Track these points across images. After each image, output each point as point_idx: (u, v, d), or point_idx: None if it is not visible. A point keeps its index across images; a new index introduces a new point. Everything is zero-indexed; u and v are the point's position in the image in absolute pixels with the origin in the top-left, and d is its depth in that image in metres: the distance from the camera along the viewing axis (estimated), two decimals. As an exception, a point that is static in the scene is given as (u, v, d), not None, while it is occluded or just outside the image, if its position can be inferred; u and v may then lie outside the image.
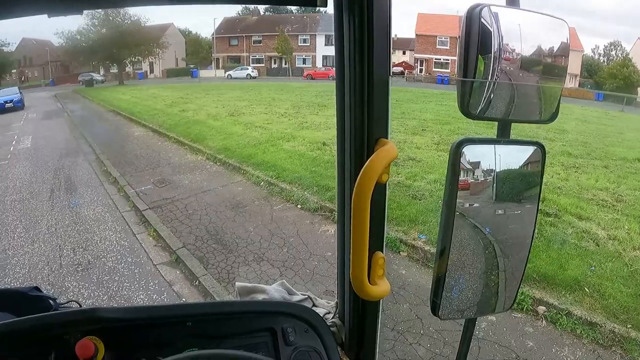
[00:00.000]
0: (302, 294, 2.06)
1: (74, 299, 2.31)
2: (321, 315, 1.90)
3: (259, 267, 7.33)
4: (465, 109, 1.25)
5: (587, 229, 8.52)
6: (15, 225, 10.52)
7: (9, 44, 62.28)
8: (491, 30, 1.20)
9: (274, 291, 2.04)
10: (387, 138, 1.47)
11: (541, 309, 6.19)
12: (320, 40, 55.06)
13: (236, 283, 2.10)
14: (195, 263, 7.75)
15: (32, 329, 1.79)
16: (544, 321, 6.04)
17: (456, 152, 1.25)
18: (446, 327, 5.69)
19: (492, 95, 1.26)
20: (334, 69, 1.61)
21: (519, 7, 1.26)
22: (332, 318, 1.95)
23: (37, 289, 2.09)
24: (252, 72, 54.84)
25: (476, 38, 1.19)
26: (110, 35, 53.73)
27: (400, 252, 7.68)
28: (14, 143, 21.18)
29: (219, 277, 7.22)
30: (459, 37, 1.24)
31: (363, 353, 1.86)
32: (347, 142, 1.56)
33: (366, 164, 1.36)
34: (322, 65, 54.24)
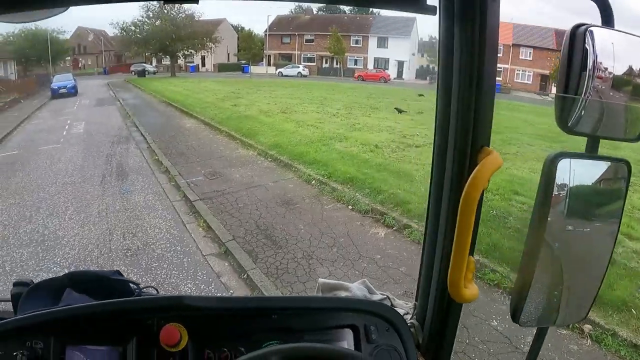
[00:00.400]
0: (381, 294, 2.05)
1: (152, 285, 2.30)
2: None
3: (308, 265, 7.29)
4: (563, 123, 1.29)
5: (637, 249, 8.28)
6: (66, 207, 10.76)
7: (64, 31, 63.72)
8: (588, 49, 1.23)
9: (356, 289, 2.03)
10: (489, 146, 1.47)
11: (587, 327, 6.04)
12: (372, 42, 54.95)
13: (319, 279, 2.09)
14: (244, 256, 7.74)
15: (114, 312, 1.81)
16: (588, 340, 5.87)
17: (551, 166, 1.27)
18: (491, 338, 5.58)
19: (582, 112, 1.29)
20: (437, 75, 1.62)
21: (614, 27, 1.29)
22: (410, 319, 1.94)
23: (118, 272, 2.09)
24: (303, 70, 54.98)
25: (579, 56, 1.23)
26: (164, 28, 54.57)
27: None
28: (67, 128, 21.71)
29: (268, 272, 7.20)
30: (561, 54, 1.28)
31: (440, 355, 1.87)
32: (449, 149, 1.57)
33: (474, 173, 1.37)
34: (374, 67, 54.11)
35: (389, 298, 2.02)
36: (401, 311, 1.91)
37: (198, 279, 7.30)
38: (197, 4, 1.65)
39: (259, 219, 9.18)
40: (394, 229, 8.42)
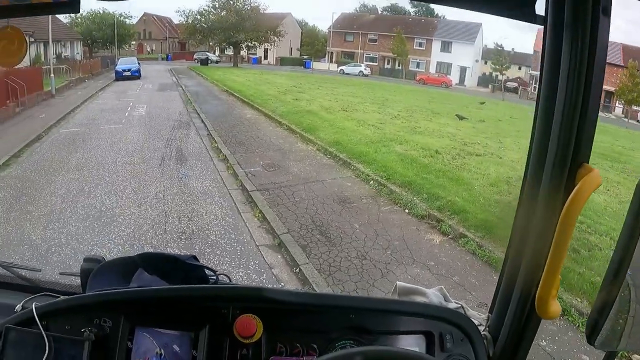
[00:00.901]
0: (456, 302, 2.04)
1: (225, 272, 2.30)
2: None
3: (361, 265, 7.24)
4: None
5: None
6: (124, 186, 11.02)
7: (131, 16, 65.36)
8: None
9: (433, 295, 2.02)
10: (588, 163, 1.43)
11: (636, 357, 5.87)
12: (436, 45, 54.41)
13: (397, 282, 2.07)
14: (298, 250, 7.74)
15: (190, 298, 1.84)
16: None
17: None
18: (538, 358, 5.47)
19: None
20: (540, 85, 1.55)
21: None
22: (483, 331, 1.89)
23: (195, 257, 2.09)
24: (365, 69, 54.93)
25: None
26: (229, 18, 55.28)
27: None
28: (129, 109, 22.24)
29: (320, 269, 7.17)
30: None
31: None
32: (547, 163, 1.50)
33: (575, 191, 1.34)
34: (435, 71, 53.61)
35: (463, 307, 2.00)
36: (474, 322, 1.88)
37: (250, 268, 7.33)
38: None
39: (314, 215, 9.18)
40: (449, 237, 8.29)
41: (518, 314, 1.70)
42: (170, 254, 2.13)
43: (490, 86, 50.50)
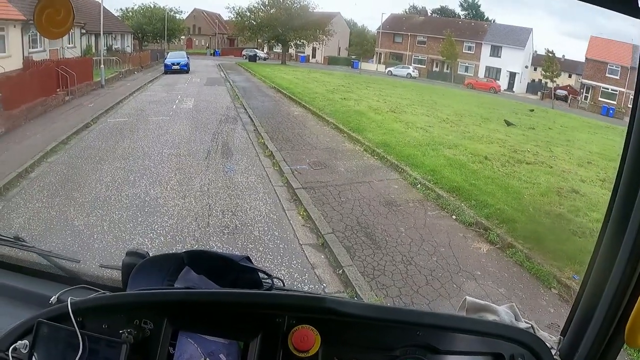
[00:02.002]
0: (526, 322, 1.91)
1: (277, 276, 2.20)
2: None
3: (406, 271, 7.13)
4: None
5: None
6: (169, 177, 11.16)
7: (181, 11, 66.93)
8: None
9: (504, 314, 1.91)
10: None
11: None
12: (485, 49, 53.82)
13: (467, 298, 1.97)
14: (342, 251, 7.67)
15: (242, 304, 1.73)
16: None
17: None
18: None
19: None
20: (635, 90, 1.43)
21: None
22: (555, 354, 1.78)
23: (248, 259, 1.98)
24: (413, 72, 54.78)
25: None
26: (278, 16, 55.82)
27: (552, 289, 7.21)
28: (176, 102, 22.61)
29: (364, 272, 7.09)
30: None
31: None
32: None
33: None
34: (484, 76, 53.05)
35: (533, 327, 1.88)
36: (547, 344, 1.77)
37: (292, 267, 7.32)
38: None
39: (360, 216, 9.10)
40: (497, 246, 8.12)
41: (599, 340, 1.59)
42: (221, 253, 2.01)
43: (539, 93, 49.70)
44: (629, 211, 1.43)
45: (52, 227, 8.44)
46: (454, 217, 9.23)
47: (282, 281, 2.17)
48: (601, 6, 1.41)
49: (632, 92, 1.34)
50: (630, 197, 1.43)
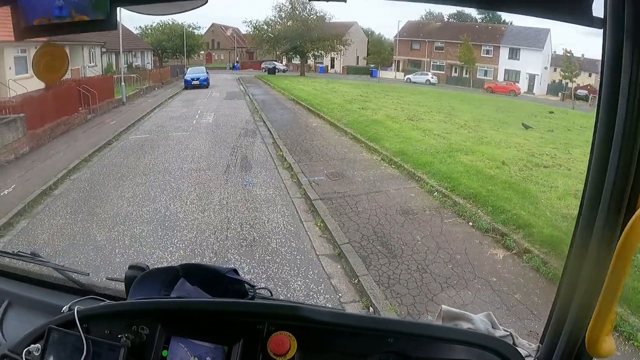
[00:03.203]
0: (504, 330, 1.94)
1: (266, 286, 2.33)
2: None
3: (421, 279, 7.15)
4: None
5: None
6: (189, 192, 11.32)
7: (199, 27, 67.73)
8: None
9: (480, 322, 1.93)
10: None
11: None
12: (503, 52, 53.57)
13: (442, 306, 2.00)
14: (358, 261, 7.72)
15: (227, 312, 1.86)
16: None
17: None
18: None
19: None
20: (599, 95, 1.42)
21: None
22: None
23: (235, 271, 2.12)
24: (432, 78, 54.67)
25: None
26: (295, 28, 56.11)
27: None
28: (197, 117, 22.85)
29: (379, 281, 7.13)
30: None
31: None
32: (607, 183, 1.40)
33: (636, 216, 1.20)
34: (504, 79, 52.73)
35: (512, 335, 1.91)
36: (523, 352, 1.81)
37: (309, 277, 7.38)
38: (345, 2, 1.66)
39: (376, 225, 9.15)
40: (513, 252, 8.07)
41: (568, 350, 1.62)
42: (211, 266, 2.16)
43: (559, 94, 49.20)
44: (592, 222, 1.46)
45: (75, 243, 8.65)
46: (470, 223, 9.22)
47: (270, 291, 2.32)
48: (558, 20, 1.46)
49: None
50: (595, 199, 1.45)
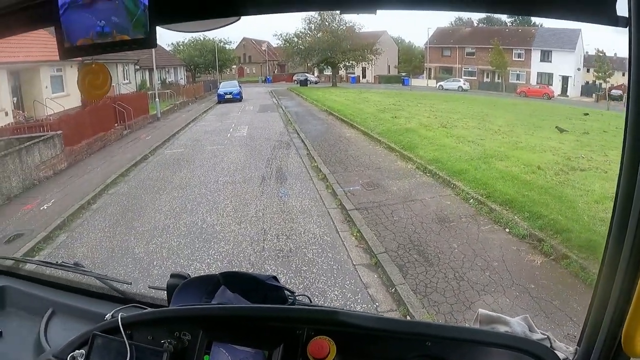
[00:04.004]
0: (542, 333, 1.93)
1: (305, 293, 2.39)
2: None
3: (458, 287, 7.12)
4: None
5: None
6: (225, 204, 11.45)
7: (230, 42, 68.65)
8: None
9: (517, 325, 1.93)
10: None
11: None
12: (535, 55, 52.98)
13: (479, 310, 2.02)
14: (395, 270, 7.73)
15: (267, 317, 1.90)
16: None
17: None
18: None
19: None
20: (627, 96, 1.42)
21: None
22: None
23: (275, 278, 2.18)
24: (464, 84, 54.26)
25: None
26: (326, 39, 56.26)
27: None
28: (231, 130, 23.10)
29: (416, 289, 7.12)
30: None
31: None
32: (638, 186, 1.39)
33: None
34: (536, 82, 52.07)
35: (549, 339, 1.90)
36: (561, 355, 1.79)
37: (345, 287, 7.41)
38: (375, 14, 1.72)
39: (413, 234, 9.14)
40: (551, 257, 7.97)
41: (605, 351, 1.58)
42: (251, 274, 2.22)
43: (594, 95, 48.32)
44: (627, 214, 1.46)
45: (114, 255, 8.90)
46: (507, 230, 9.15)
47: (309, 298, 2.32)
48: (582, 21, 1.48)
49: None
50: (628, 200, 1.45)
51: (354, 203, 11.06)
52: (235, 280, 2.17)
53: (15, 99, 23.59)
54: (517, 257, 8.11)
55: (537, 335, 1.92)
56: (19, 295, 2.70)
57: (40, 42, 21.40)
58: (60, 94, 25.80)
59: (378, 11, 1.71)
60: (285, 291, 2.15)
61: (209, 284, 2.18)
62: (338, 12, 1.74)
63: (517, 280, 7.27)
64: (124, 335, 1.90)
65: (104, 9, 1.68)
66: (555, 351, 1.80)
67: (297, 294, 2.19)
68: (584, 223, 9.06)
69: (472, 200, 10.75)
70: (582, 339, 1.76)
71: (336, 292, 7.24)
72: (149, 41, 1.72)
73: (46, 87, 25.13)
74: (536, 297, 6.74)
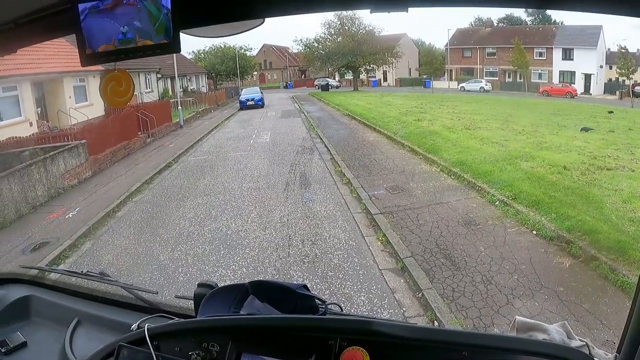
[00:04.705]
0: (580, 340, 1.89)
1: (335, 301, 2.37)
2: None
3: (486, 291, 7.06)
4: None
5: None
6: (249, 211, 11.51)
7: (251, 48, 69.24)
8: None
9: (555, 332, 1.90)
10: None
11: None
12: (557, 53, 52.34)
13: (516, 317, 1.98)
14: (421, 274, 7.68)
15: (298, 328, 1.87)
16: None
17: None
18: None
19: None
20: None
21: None
22: None
23: (305, 287, 2.13)
24: (486, 85, 53.94)
25: None
26: (346, 44, 56.43)
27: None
28: (253, 137, 23.27)
29: (443, 294, 7.07)
30: None
31: None
32: None
33: None
34: (559, 81, 51.51)
35: (587, 345, 1.86)
36: None
37: (372, 292, 7.39)
38: (407, 11, 1.71)
39: (439, 238, 9.09)
40: (579, 259, 7.85)
41: None
42: (281, 283, 2.17)
43: (617, 92, 47.64)
44: None
45: (139, 263, 9.02)
46: (534, 232, 9.05)
47: (340, 307, 2.33)
48: (620, 15, 1.45)
49: None
50: None
51: (378, 207, 11.04)
52: (264, 290, 2.14)
53: (39, 109, 23.95)
54: (545, 259, 8.02)
55: (575, 343, 1.89)
56: (45, 305, 2.73)
57: (62, 53, 21.76)
58: (84, 103, 26.17)
59: (395, 14, 1.70)
60: (316, 300, 2.12)
61: (237, 294, 2.17)
62: (368, 11, 1.74)
63: (546, 283, 7.17)
64: (150, 347, 1.89)
65: (126, 13, 1.69)
66: (594, 358, 1.77)
67: (328, 302, 2.17)
68: (612, 224, 8.94)
69: (498, 202, 10.66)
70: (622, 345, 1.75)
71: (362, 298, 7.23)
72: (173, 46, 1.74)
73: (69, 97, 25.49)
74: (565, 301, 6.65)
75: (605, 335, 5.76)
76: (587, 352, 1.82)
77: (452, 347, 1.74)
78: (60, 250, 9.88)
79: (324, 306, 2.11)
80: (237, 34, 2.12)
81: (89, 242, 10.49)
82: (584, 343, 1.87)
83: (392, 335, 1.75)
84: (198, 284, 2.35)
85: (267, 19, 1.85)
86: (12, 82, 21.23)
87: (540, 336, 1.89)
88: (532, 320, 1.96)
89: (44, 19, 1.80)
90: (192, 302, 2.34)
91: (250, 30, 2.01)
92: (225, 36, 2.37)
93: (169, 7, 1.66)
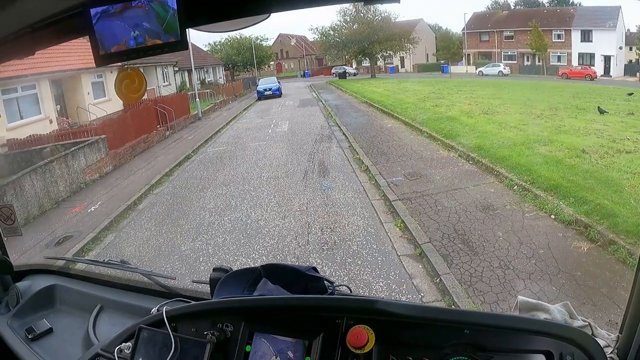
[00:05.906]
0: (582, 320, 1.94)
1: (345, 283, 2.46)
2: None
3: (504, 276, 7.08)
4: None
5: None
6: (269, 200, 11.61)
7: (267, 38, 69.54)
8: None
9: (557, 312, 1.95)
10: None
11: None
12: (575, 35, 51.74)
13: (519, 297, 2.05)
14: (439, 260, 7.72)
15: (307, 307, 1.97)
16: None
17: None
18: None
19: None
20: None
21: None
22: (610, 353, 1.79)
23: (314, 269, 2.25)
24: (504, 69, 53.48)
25: None
26: (362, 31, 56.33)
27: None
28: (272, 126, 23.35)
29: (461, 279, 7.10)
30: None
31: None
32: None
33: None
34: (578, 64, 50.92)
35: (590, 326, 1.90)
36: (602, 342, 1.80)
37: (390, 278, 7.44)
38: (399, 2, 1.76)
39: (457, 223, 9.11)
40: (597, 244, 7.82)
41: None
42: (291, 266, 2.29)
43: (638, 74, 47.02)
44: None
45: (161, 253, 9.17)
46: (552, 216, 9.02)
47: (349, 288, 2.41)
48: None
49: None
50: None
51: (397, 194, 11.07)
52: (276, 272, 2.26)
53: (58, 106, 24.31)
54: (563, 243, 7.99)
55: (577, 322, 1.94)
56: (69, 293, 2.90)
57: (79, 50, 21.90)
58: (102, 99, 26.42)
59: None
60: (325, 281, 2.23)
61: (250, 277, 2.29)
62: (362, 3, 1.79)
63: (564, 267, 7.16)
64: (168, 328, 2.01)
65: (135, 15, 1.78)
66: (596, 338, 1.80)
67: (336, 284, 2.27)
68: (631, 207, 8.87)
69: (516, 187, 10.63)
70: (623, 325, 1.78)
71: (381, 284, 7.28)
72: (181, 44, 1.82)
73: (88, 93, 25.76)
74: (583, 285, 6.64)
75: (619, 320, 5.75)
76: (590, 332, 1.87)
77: (454, 326, 1.79)
78: (84, 243, 10.08)
79: (332, 287, 2.22)
80: (242, 28, 2.19)
81: (112, 234, 10.68)
82: (587, 323, 1.92)
83: (395, 314, 1.82)
84: (213, 269, 2.48)
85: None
86: (31, 80, 21.60)
87: (542, 316, 1.95)
88: (535, 300, 2.02)
89: (58, 23, 1.89)
90: (208, 286, 2.47)
91: (260, 23, 2.07)
92: (232, 30, 2.44)
93: (175, 7, 1.75)
